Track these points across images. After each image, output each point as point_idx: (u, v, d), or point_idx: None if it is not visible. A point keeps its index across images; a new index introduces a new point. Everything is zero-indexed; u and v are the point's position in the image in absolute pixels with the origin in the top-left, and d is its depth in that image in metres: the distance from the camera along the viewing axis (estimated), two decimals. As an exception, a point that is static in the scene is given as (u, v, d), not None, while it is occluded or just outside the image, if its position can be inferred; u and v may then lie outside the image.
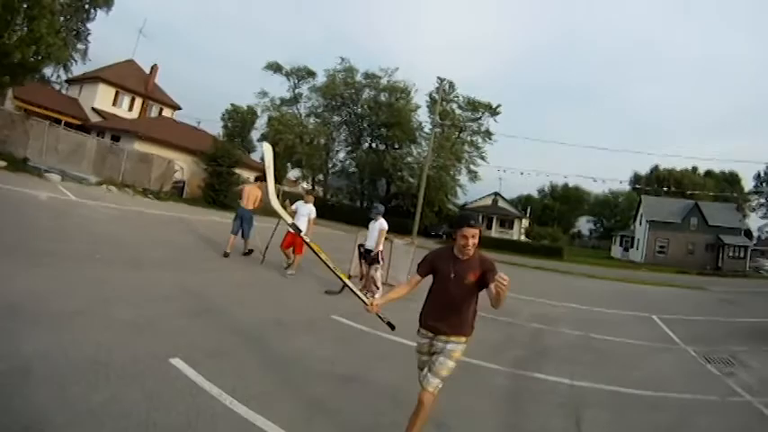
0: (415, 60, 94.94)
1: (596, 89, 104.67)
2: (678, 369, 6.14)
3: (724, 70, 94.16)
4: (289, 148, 34.43)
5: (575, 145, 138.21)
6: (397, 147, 37.13)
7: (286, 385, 3.49)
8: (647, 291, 16.68)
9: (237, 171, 21.69)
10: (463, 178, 37.30)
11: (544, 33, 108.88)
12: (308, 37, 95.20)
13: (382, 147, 37.65)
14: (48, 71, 18.27)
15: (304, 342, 4.72)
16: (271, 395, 3.22)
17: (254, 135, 47.14)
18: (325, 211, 23.83)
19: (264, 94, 38.15)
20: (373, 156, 36.77)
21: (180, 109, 32.36)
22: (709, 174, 55.26)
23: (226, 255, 8.63)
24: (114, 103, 27.37)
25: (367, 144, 38.59)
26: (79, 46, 20.52)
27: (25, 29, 13.08)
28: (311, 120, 38.28)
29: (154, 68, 30.81)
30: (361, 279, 7.77)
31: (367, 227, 7.82)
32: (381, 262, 7.70)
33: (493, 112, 35.80)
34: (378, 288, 7.50)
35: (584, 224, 69.06)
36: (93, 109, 26.05)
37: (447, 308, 2.68)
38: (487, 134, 36.12)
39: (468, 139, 36.83)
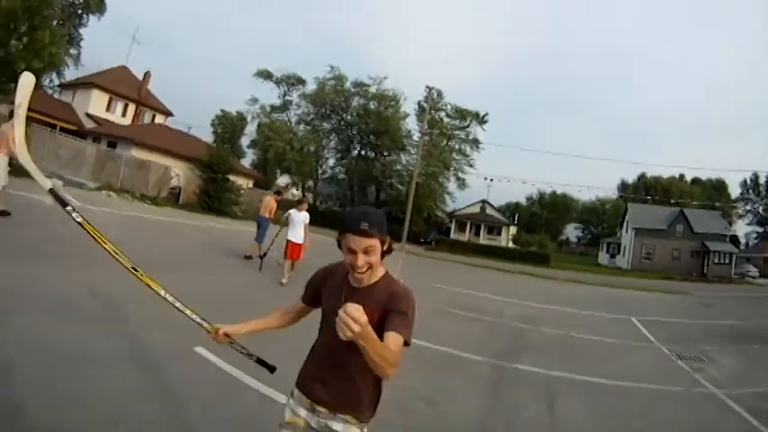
0: (403, 71, 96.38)
1: (581, 100, 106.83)
2: (650, 364, 6.66)
3: (714, 78, 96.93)
4: (279, 154, 34.86)
5: (561, 153, 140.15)
6: (386, 154, 37.59)
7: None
8: (630, 295, 17.11)
9: (232, 178, 22.01)
10: (452, 185, 37.81)
11: (530, 44, 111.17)
12: (296, 43, 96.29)
13: (371, 154, 38.09)
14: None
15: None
16: (286, 378, 3.65)
17: (244, 141, 47.47)
18: (316, 217, 24.05)
19: (255, 100, 38.64)
20: (363, 163, 37.21)
21: (172, 115, 32.73)
22: (696, 181, 55.74)
23: (248, 257, 9.68)
24: (108, 109, 27.61)
25: (356, 151, 39.02)
26: (72, 51, 20.70)
27: (25, 39, 13.39)
28: (301, 127, 38.73)
29: (147, 75, 31.11)
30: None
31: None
32: None
33: (480, 120, 36.62)
34: None
35: (571, 231, 69.86)
36: (87, 114, 26.27)
37: (331, 363, 1.59)
38: (475, 142, 36.89)
39: (457, 146, 37.45)
